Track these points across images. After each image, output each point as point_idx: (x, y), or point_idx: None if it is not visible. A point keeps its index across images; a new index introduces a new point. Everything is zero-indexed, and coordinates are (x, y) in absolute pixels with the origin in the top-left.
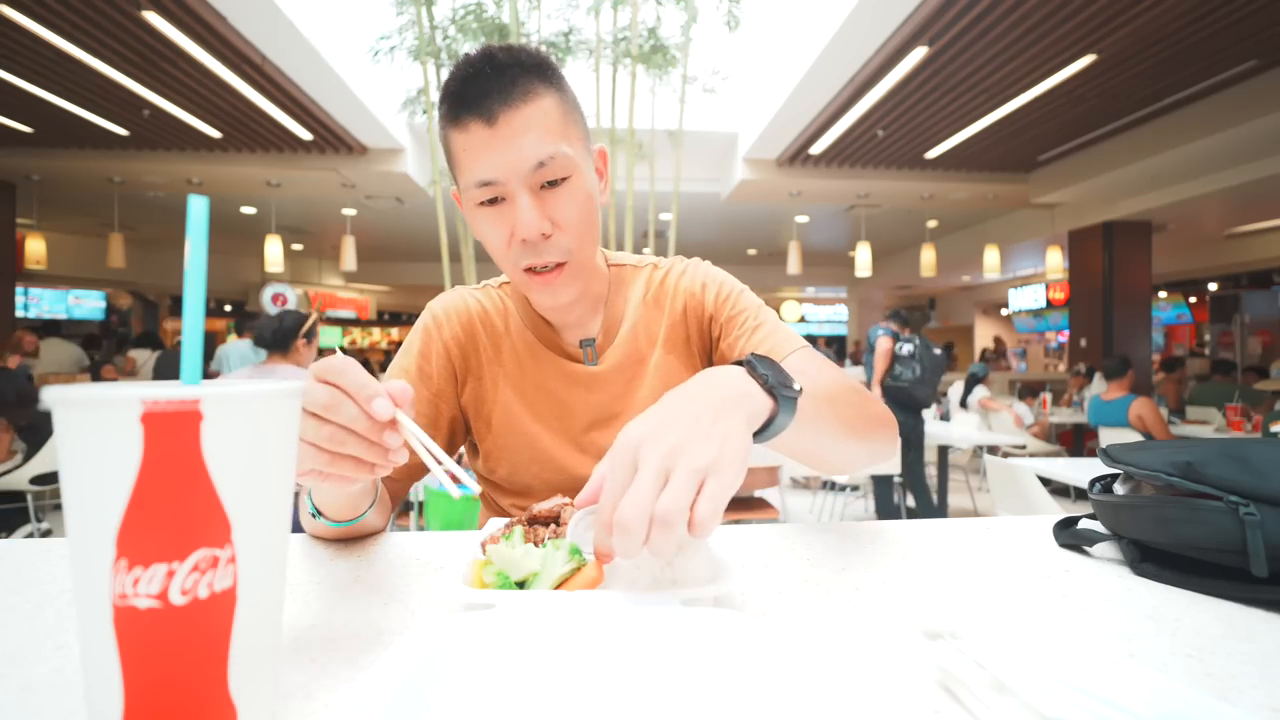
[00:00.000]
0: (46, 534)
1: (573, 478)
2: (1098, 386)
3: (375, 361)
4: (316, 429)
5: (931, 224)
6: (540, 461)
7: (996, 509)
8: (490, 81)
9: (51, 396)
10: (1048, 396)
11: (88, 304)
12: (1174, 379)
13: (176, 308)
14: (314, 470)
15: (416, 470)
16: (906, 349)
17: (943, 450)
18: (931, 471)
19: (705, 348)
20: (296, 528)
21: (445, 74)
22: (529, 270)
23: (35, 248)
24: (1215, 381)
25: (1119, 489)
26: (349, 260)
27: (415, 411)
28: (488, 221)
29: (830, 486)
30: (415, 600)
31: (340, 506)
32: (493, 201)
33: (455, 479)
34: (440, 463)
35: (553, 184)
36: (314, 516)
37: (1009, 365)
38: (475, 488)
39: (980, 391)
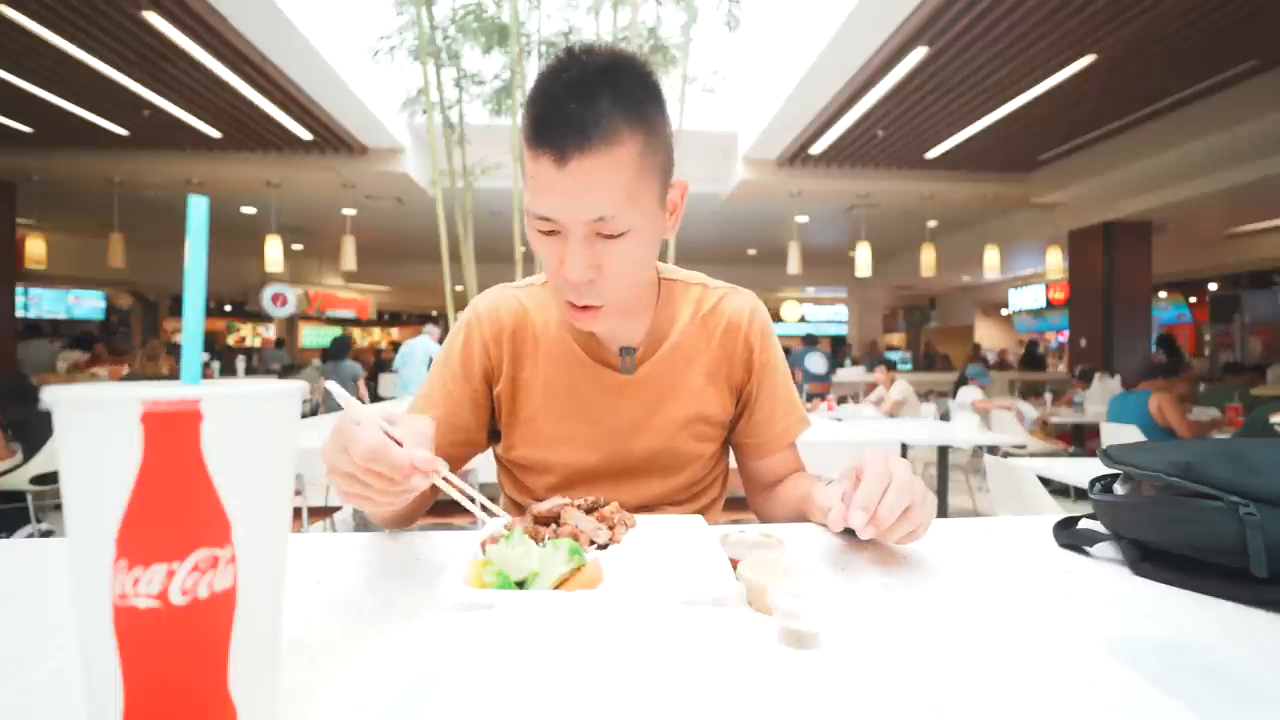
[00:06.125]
0: (46, 534)
1: (590, 478)
2: (1097, 389)
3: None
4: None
5: (931, 224)
6: (561, 460)
7: (996, 509)
8: (573, 114)
9: (52, 396)
10: (1048, 396)
11: (88, 304)
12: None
13: (176, 308)
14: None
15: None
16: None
17: (943, 450)
18: (931, 472)
19: (737, 386)
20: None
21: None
22: (567, 301)
23: (35, 248)
24: (1228, 382)
25: (1119, 489)
26: (349, 260)
27: (457, 407)
28: (542, 245)
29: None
30: (415, 600)
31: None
32: (549, 232)
33: (489, 511)
34: (474, 500)
35: (608, 235)
36: None
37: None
38: (506, 518)
39: (972, 393)
